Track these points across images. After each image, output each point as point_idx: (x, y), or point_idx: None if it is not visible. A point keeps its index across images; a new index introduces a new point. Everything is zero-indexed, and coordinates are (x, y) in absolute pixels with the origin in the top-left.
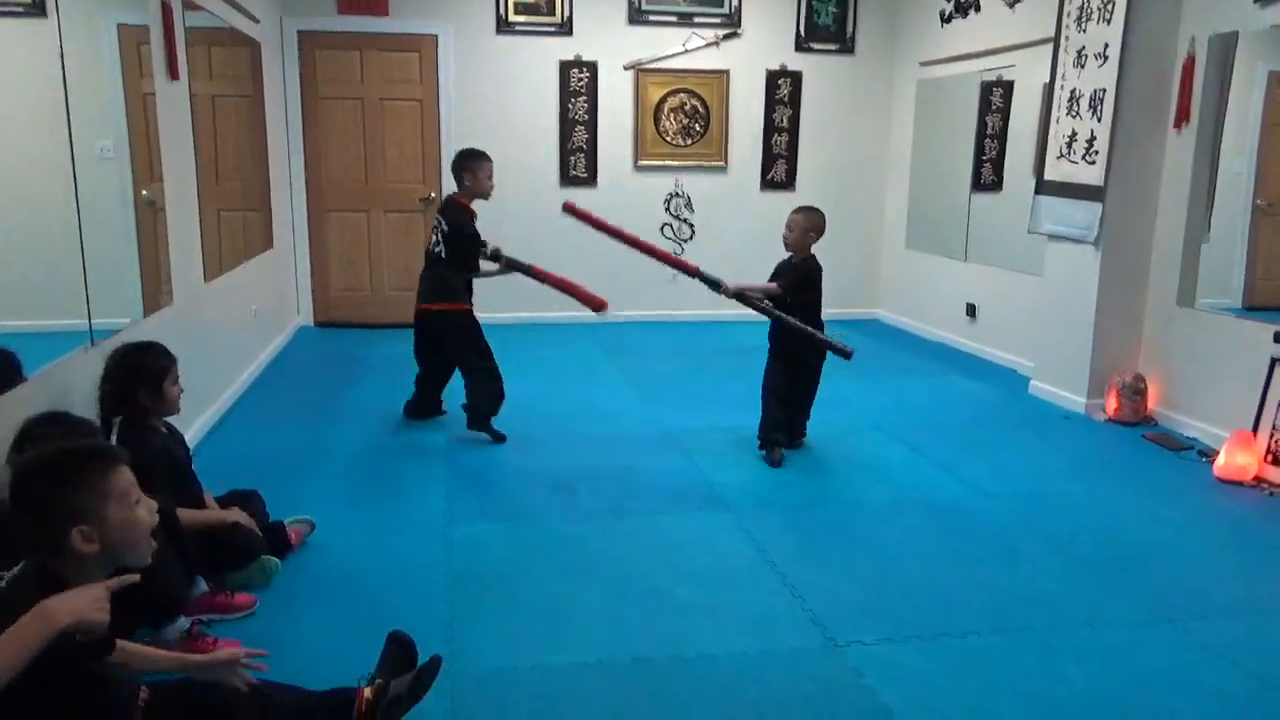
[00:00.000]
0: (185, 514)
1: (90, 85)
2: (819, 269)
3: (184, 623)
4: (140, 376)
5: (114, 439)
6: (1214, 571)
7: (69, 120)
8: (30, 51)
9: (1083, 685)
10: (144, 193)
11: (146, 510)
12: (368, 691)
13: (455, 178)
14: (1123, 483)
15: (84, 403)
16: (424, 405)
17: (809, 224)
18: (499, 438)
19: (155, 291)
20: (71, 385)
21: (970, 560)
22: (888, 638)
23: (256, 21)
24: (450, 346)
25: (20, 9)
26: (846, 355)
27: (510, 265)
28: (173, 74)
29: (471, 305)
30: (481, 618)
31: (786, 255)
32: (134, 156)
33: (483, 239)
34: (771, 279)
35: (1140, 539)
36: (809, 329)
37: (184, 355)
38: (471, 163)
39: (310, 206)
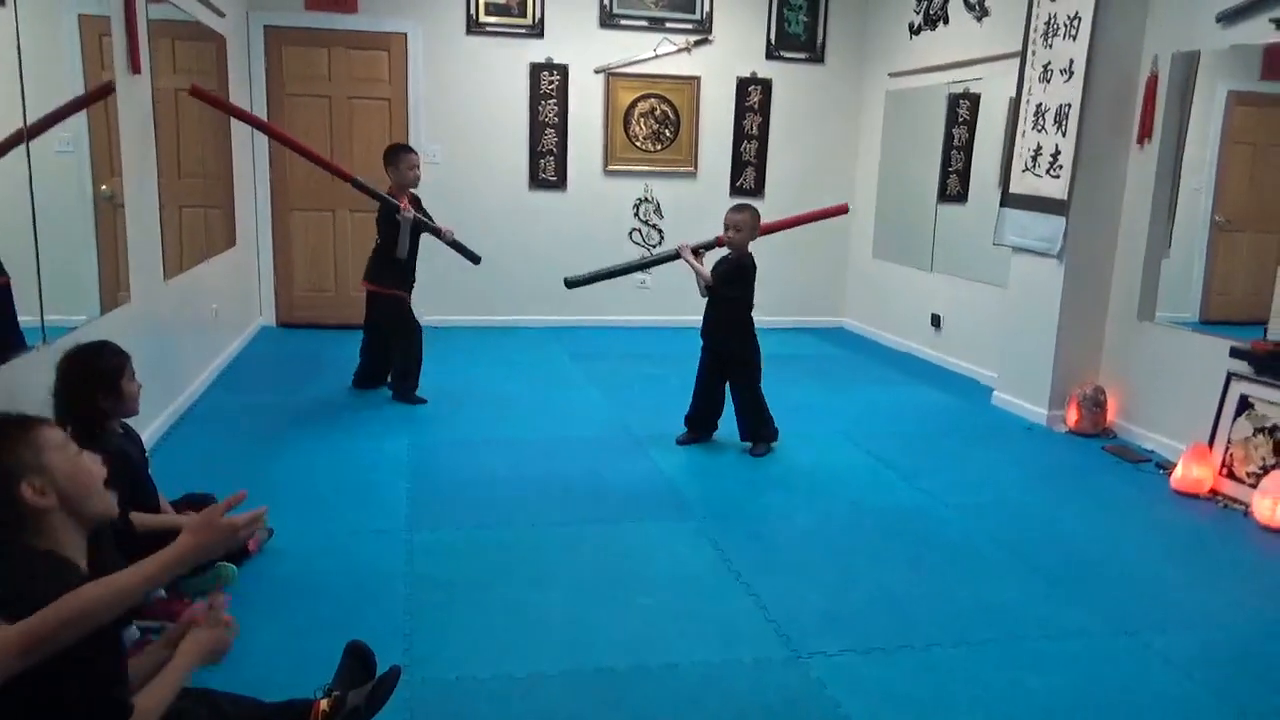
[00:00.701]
0: (139, 518)
1: (49, 77)
2: (754, 266)
3: (135, 632)
4: (95, 379)
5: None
6: (1171, 583)
7: (24, 113)
8: None
9: (1042, 696)
10: (103, 188)
11: (92, 461)
12: (324, 703)
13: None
14: (1082, 494)
15: (35, 403)
16: (365, 374)
17: (754, 222)
18: (418, 400)
19: (114, 289)
20: (22, 385)
21: (933, 570)
22: (850, 648)
23: (222, 15)
24: (380, 323)
25: None
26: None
27: (418, 225)
28: (134, 67)
29: (398, 290)
30: (442, 626)
31: (725, 254)
32: (93, 151)
33: (398, 207)
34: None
35: (1099, 550)
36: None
37: (142, 355)
38: (393, 157)
39: (275, 204)
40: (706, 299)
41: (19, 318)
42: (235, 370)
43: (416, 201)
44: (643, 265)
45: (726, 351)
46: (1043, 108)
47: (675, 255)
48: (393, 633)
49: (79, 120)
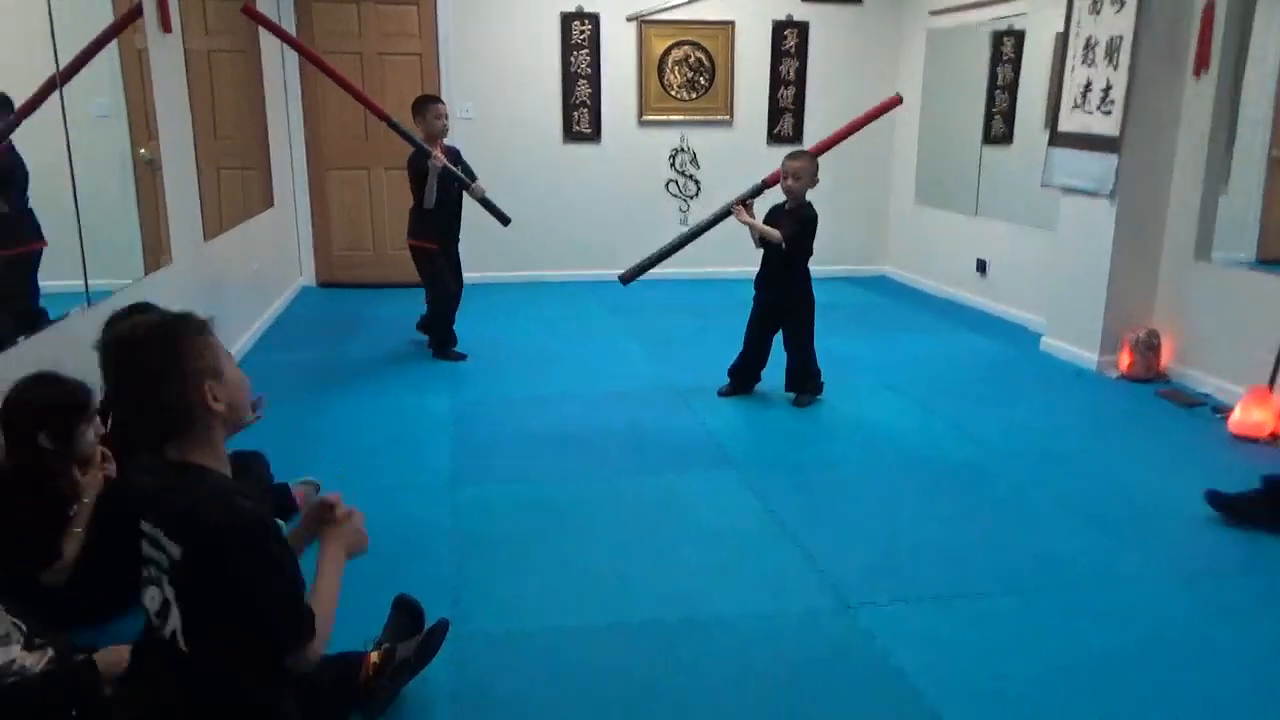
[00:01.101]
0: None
1: (84, 41)
2: (816, 217)
3: None
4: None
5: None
6: (1230, 531)
7: (59, 78)
8: (20, 5)
9: (1098, 645)
10: (141, 151)
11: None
12: (374, 655)
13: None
14: (1136, 440)
15: (78, 364)
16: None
17: (814, 169)
18: (455, 356)
19: (156, 251)
20: (67, 347)
21: (982, 520)
22: (900, 599)
23: None
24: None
25: None
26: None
27: (446, 173)
28: (165, 26)
29: (427, 242)
30: (489, 580)
31: (781, 202)
32: (130, 115)
33: (430, 153)
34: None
35: (1154, 497)
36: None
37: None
38: (420, 107)
39: (310, 164)
40: (762, 250)
41: (62, 282)
42: (278, 329)
43: (456, 154)
44: (694, 235)
45: (782, 302)
46: (1092, 41)
47: (726, 214)
48: (440, 587)
49: (116, 85)
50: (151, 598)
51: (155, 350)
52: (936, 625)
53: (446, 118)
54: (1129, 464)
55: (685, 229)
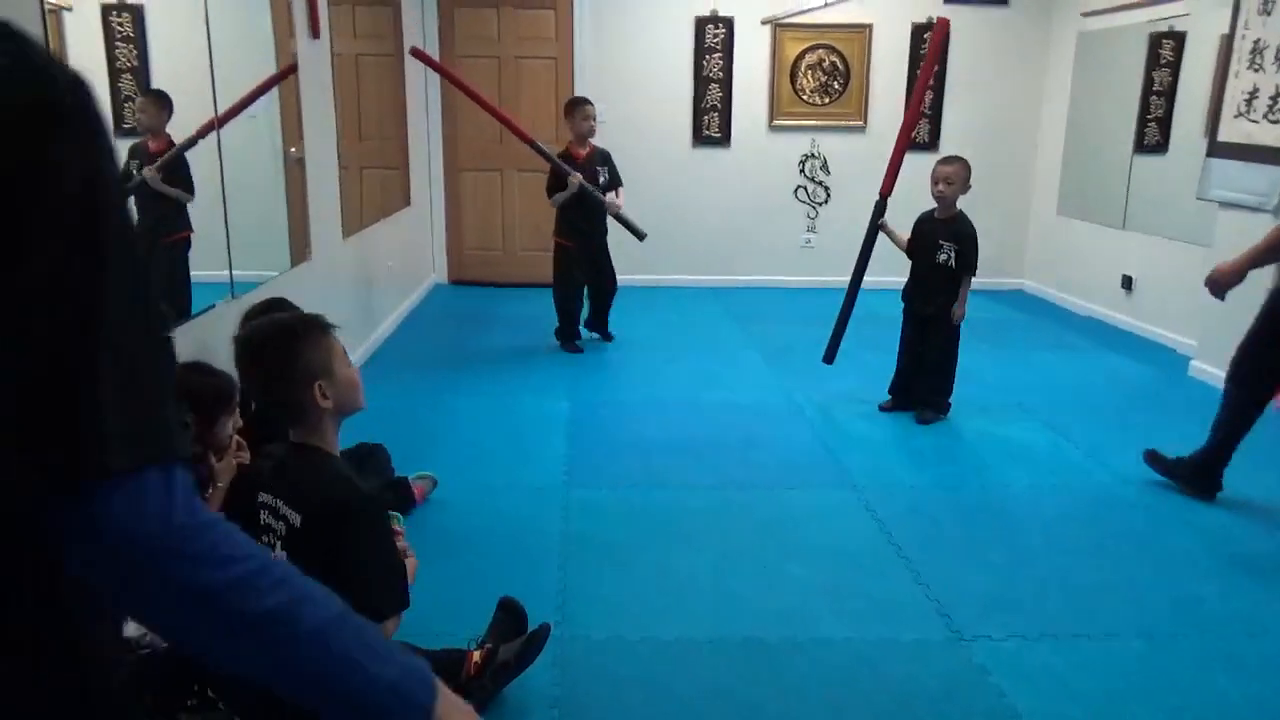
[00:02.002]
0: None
1: (244, 45)
2: (975, 233)
3: None
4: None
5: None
6: None
7: (213, 78)
8: (191, 12)
9: (1236, 698)
10: (292, 150)
11: (356, 371)
12: (476, 655)
13: None
14: None
15: (225, 352)
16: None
17: (968, 174)
18: (573, 349)
19: (302, 246)
20: (213, 336)
21: (1114, 556)
22: (1018, 634)
23: None
24: None
25: None
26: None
27: (583, 191)
28: (314, 32)
29: (561, 239)
30: (594, 585)
31: (929, 210)
32: (283, 115)
33: (570, 173)
34: (923, 238)
35: None
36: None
37: (321, 309)
38: (571, 109)
39: (446, 165)
40: (913, 261)
41: (211, 272)
42: (409, 325)
43: (606, 156)
44: (862, 272)
45: (934, 315)
46: (1261, 44)
47: (875, 235)
48: (546, 588)
49: None
50: None
51: (272, 352)
52: (1057, 665)
53: (595, 119)
54: None
55: (816, 236)
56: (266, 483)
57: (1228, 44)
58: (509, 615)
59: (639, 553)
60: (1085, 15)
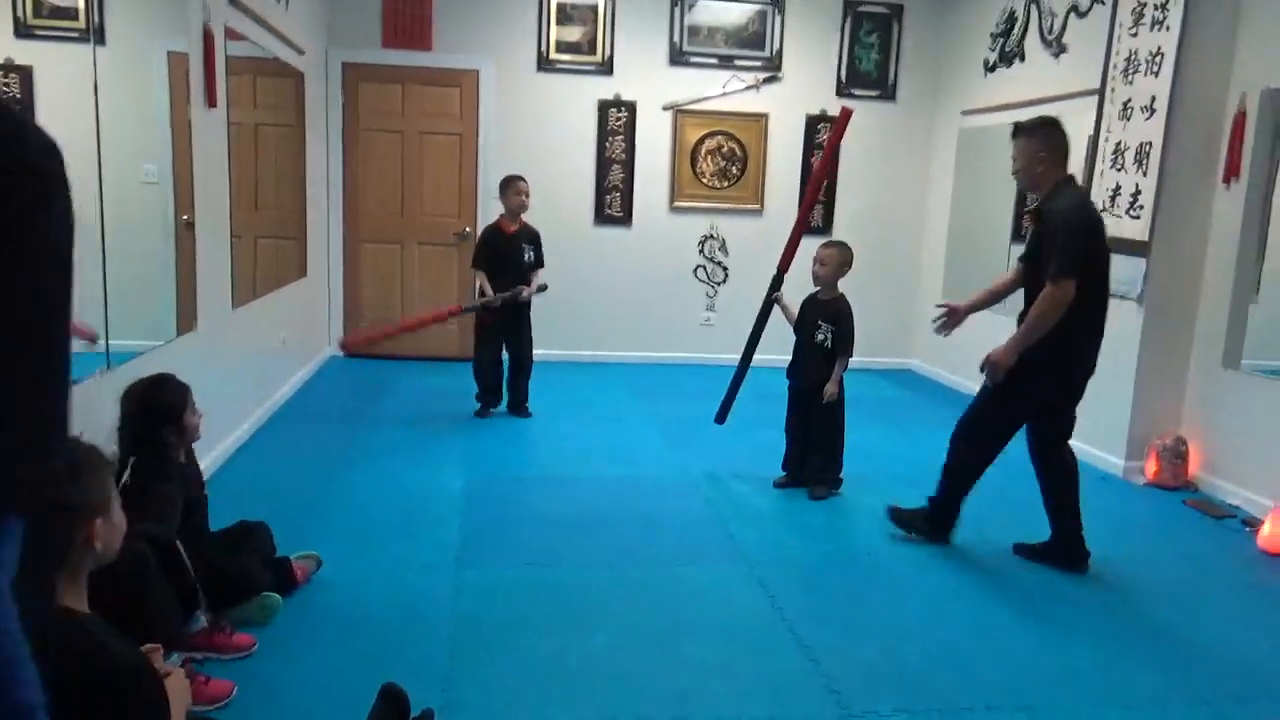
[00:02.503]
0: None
1: (139, 110)
2: (850, 312)
3: (177, 659)
4: (160, 414)
5: (128, 475)
6: (1256, 652)
7: (99, 145)
8: (80, 76)
9: None
10: (185, 217)
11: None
12: None
13: None
14: (1161, 550)
15: (97, 428)
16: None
17: (843, 259)
18: (484, 412)
19: (190, 315)
20: (84, 410)
21: (996, 627)
22: (905, 709)
23: (301, 53)
24: None
25: (76, 35)
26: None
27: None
28: (210, 101)
29: (472, 306)
30: (483, 668)
31: (815, 290)
32: (176, 181)
33: (486, 256)
34: (805, 317)
35: (1177, 612)
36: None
37: (206, 381)
38: (504, 186)
39: (346, 236)
40: (796, 338)
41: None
42: (301, 398)
43: (534, 236)
44: (754, 344)
45: (814, 390)
46: (1122, 146)
47: (769, 310)
48: (433, 672)
49: (164, 151)
50: None
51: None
52: None
53: (527, 195)
54: (1153, 575)
55: (715, 315)
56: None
57: (1093, 145)
58: (390, 703)
59: (531, 634)
60: (965, 113)
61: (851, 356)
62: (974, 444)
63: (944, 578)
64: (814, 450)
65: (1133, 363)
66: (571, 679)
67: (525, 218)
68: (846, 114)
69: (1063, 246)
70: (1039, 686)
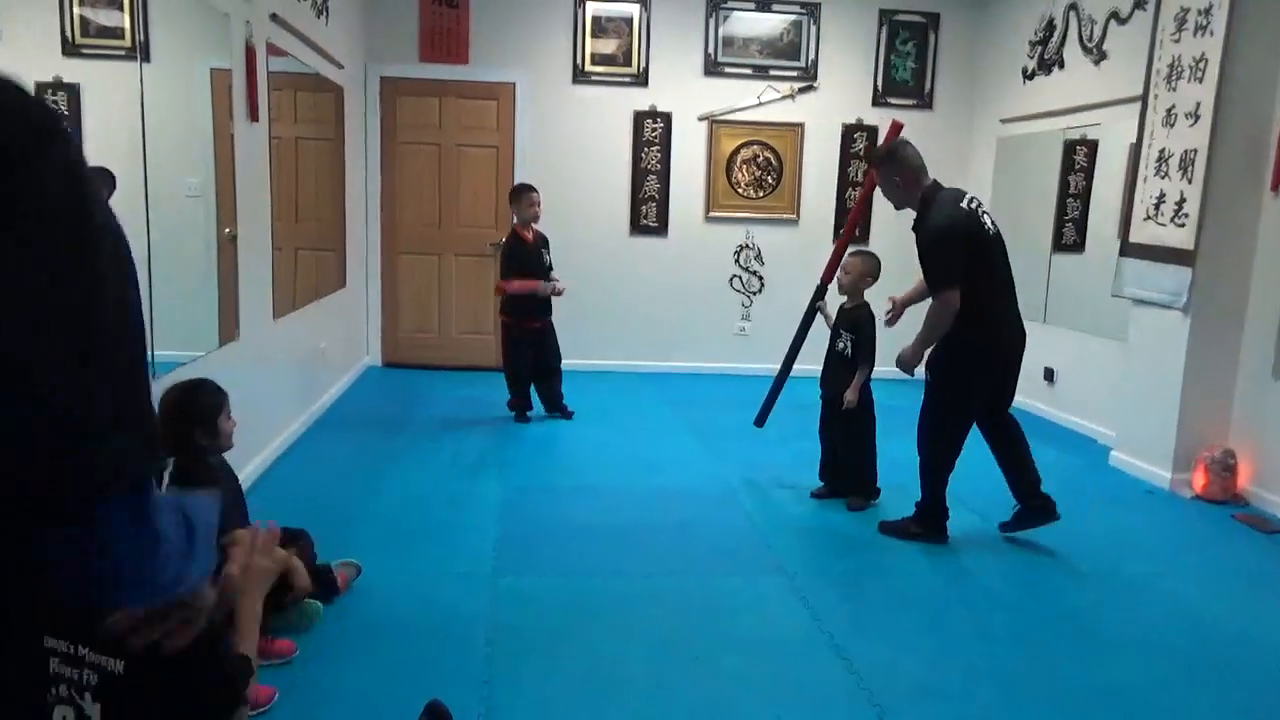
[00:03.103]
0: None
1: (183, 126)
2: (872, 315)
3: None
4: (194, 416)
5: (167, 479)
6: None
7: (144, 160)
8: (127, 93)
9: None
10: (227, 230)
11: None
12: None
13: None
14: (1211, 566)
15: None
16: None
17: (865, 269)
18: (516, 414)
19: (231, 326)
20: None
21: (1040, 644)
22: None
23: (341, 68)
24: None
25: (122, 53)
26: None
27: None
28: (253, 116)
29: (513, 320)
30: (521, 677)
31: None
32: (219, 195)
33: (518, 265)
34: (834, 326)
35: (1229, 630)
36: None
37: (248, 390)
38: (515, 196)
39: (384, 248)
40: (828, 349)
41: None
42: (340, 408)
43: (545, 241)
44: (796, 349)
45: (836, 398)
46: (1166, 153)
47: (813, 316)
48: (471, 680)
49: (207, 165)
50: None
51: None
52: None
53: (539, 205)
54: (1203, 592)
55: (751, 325)
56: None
57: (1136, 152)
58: (434, 719)
59: (569, 643)
60: (1004, 121)
61: (873, 366)
62: (935, 441)
63: (986, 591)
64: (844, 461)
65: (1179, 374)
66: (610, 689)
67: (555, 225)
68: (897, 127)
69: (938, 261)
70: (1085, 705)
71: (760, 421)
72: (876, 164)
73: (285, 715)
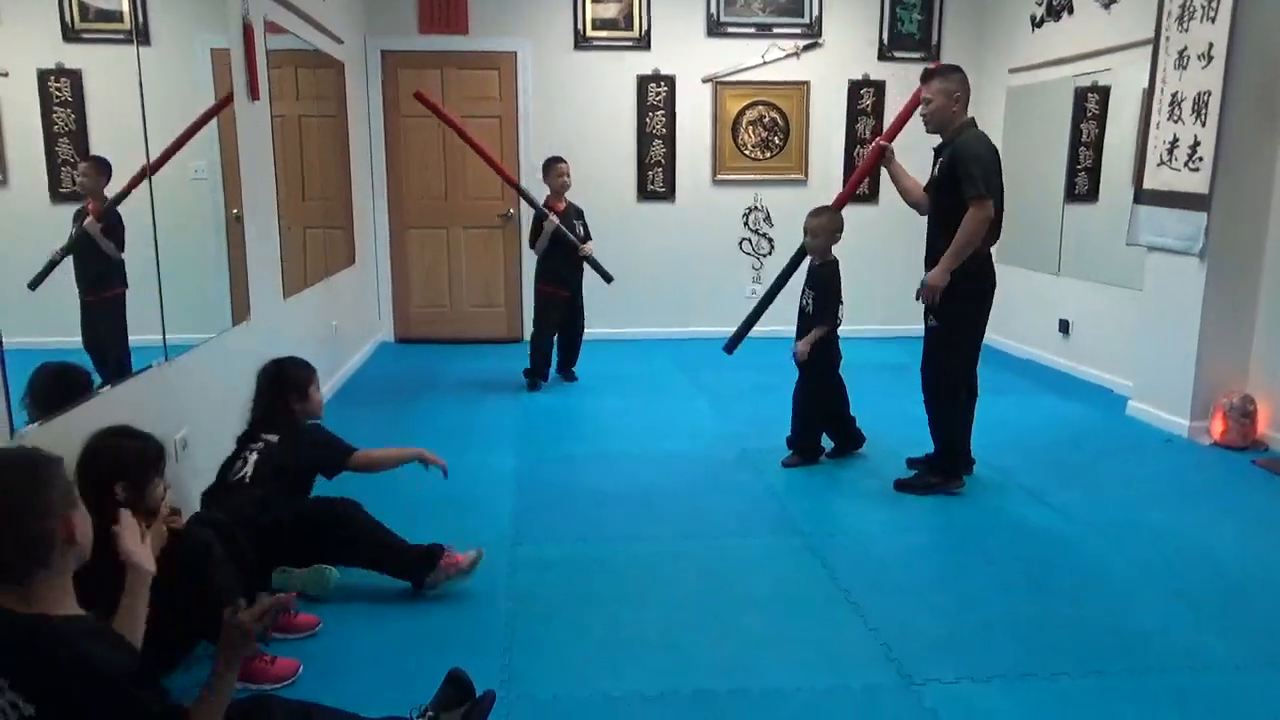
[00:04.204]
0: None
1: (184, 108)
2: (837, 273)
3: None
4: (289, 385)
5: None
6: None
7: (146, 144)
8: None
9: None
10: (234, 211)
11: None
12: None
13: None
14: (1230, 512)
15: (153, 418)
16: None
17: (832, 225)
18: (530, 382)
19: (244, 307)
20: (142, 400)
21: (1060, 593)
22: (968, 676)
23: (340, 43)
24: None
25: (121, 36)
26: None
27: (558, 233)
28: (253, 94)
29: (545, 284)
30: (541, 642)
31: (815, 262)
32: (225, 176)
33: (546, 214)
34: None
35: (1248, 574)
36: None
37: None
38: (547, 167)
39: (392, 223)
40: (799, 308)
41: (143, 336)
42: (354, 384)
43: (579, 212)
44: (779, 287)
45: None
46: (1179, 97)
47: (800, 259)
48: (491, 646)
49: (212, 147)
50: None
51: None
52: (1007, 706)
53: (568, 175)
54: (1222, 537)
55: (762, 287)
56: None
57: (1148, 97)
58: (455, 688)
59: (587, 607)
60: (1013, 71)
61: (832, 324)
62: (950, 387)
63: (1002, 543)
64: (794, 413)
65: (1195, 320)
66: (629, 651)
67: (568, 195)
68: (917, 98)
69: (977, 171)
70: (1106, 652)
71: (730, 348)
72: (942, 75)
73: (308, 686)
